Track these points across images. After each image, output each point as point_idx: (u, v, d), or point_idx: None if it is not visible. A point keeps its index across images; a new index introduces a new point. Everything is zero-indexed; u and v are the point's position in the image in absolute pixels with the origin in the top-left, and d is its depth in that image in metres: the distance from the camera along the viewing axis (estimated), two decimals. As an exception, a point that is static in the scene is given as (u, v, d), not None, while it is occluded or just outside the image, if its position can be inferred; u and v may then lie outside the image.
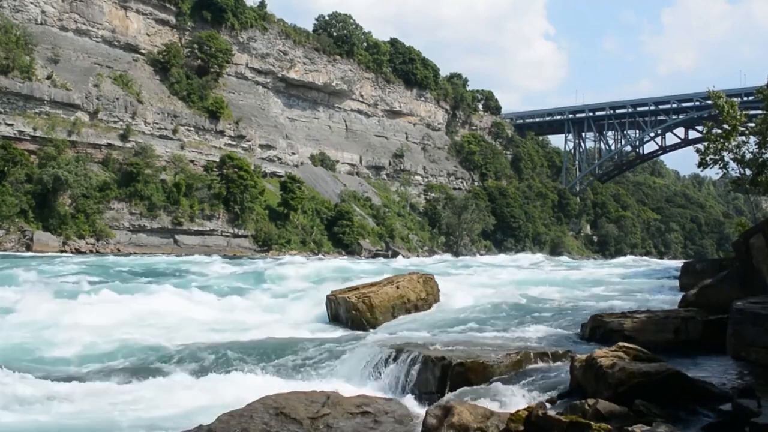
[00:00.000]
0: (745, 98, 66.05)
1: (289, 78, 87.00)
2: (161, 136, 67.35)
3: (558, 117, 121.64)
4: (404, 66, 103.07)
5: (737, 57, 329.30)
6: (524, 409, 6.42)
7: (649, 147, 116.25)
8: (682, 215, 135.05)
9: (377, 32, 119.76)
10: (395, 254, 73.75)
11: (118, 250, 55.65)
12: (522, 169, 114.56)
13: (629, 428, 5.88)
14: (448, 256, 72.06)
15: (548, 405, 7.25)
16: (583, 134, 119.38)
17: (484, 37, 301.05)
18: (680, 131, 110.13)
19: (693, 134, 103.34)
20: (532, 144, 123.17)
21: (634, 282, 26.72)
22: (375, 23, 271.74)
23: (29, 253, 46.28)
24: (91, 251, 53.33)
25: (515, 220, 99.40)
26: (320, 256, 66.95)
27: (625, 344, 8.12)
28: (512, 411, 6.56)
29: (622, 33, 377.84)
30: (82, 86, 62.19)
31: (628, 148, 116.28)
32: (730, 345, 8.17)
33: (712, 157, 24.47)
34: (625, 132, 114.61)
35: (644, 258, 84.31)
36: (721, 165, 24.56)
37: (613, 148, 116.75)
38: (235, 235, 68.14)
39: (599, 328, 11.17)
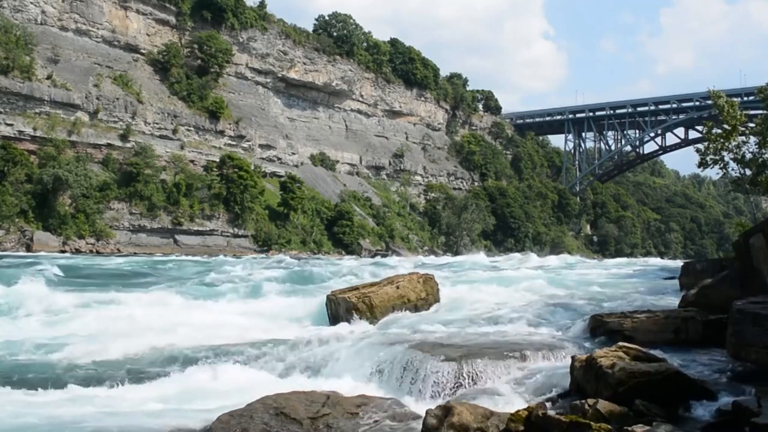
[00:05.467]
0: (745, 98, 66.09)
1: (289, 78, 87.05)
2: (161, 136, 67.43)
3: (558, 117, 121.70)
4: (404, 66, 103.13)
5: (736, 57, 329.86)
6: (524, 409, 6.42)
7: (649, 147, 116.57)
8: (682, 215, 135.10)
9: (375, 32, 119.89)
10: (396, 254, 73.71)
11: (118, 250, 55.69)
12: (522, 169, 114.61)
13: (629, 428, 5.89)
14: (426, 259, 60.66)
15: (548, 405, 7.25)
16: (583, 134, 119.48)
17: (483, 37, 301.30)
18: (680, 131, 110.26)
19: (693, 134, 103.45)
20: (532, 144, 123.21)
21: (635, 282, 26.71)
22: (373, 23, 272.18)
23: (29, 253, 46.28)
24: (91, 251, 53.38)
25: (515, 220, 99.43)
26: (320, 255, 66.94)
27: (625, 344, 8.12)
28: (512, 411, 6.56)
29: (621, 33, 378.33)
30: (82, 86, 62.24)
31: (628, 148, 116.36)
32: (730, 345, 8.17)
33: (712, 157, 24.39)
34: (625, 132, 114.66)
35: (645, 258, 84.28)
36: (721, 165, 24.47)
37: (613, 148, 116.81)
38: (235, 235, 68.20)
39: (599, 328, 11.15)
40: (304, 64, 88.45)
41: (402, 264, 38.75)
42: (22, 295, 16.95)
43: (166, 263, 37.67)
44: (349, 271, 29.08)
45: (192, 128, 71.24)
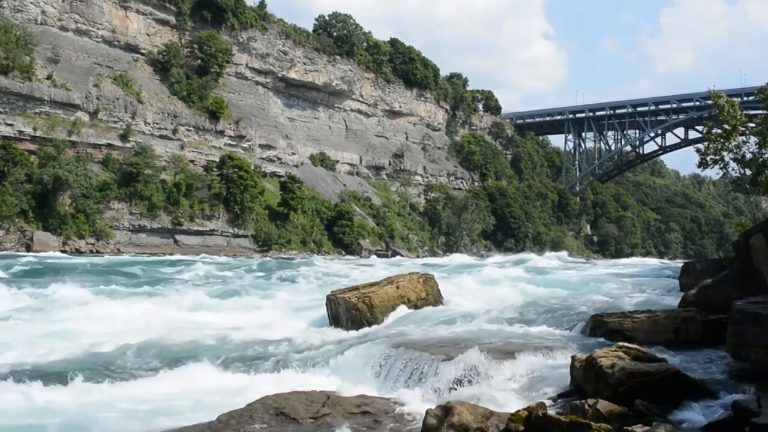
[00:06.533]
0: (745, 98, 66.10)
1: (289, 78, 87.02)
2: (161, 136, 67.41)
3: (558, 117, 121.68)
4: (404, 66, 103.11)
5: (736, 57, 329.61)
6: (524, 409, 6.42)
7: (649, 147, 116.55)
8: (682, 215, 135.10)
9: (375, 32, 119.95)
10: (395, 254, 73.69)
11: (118, 250, 55.68)
12: (522, 169, 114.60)
13: (629, 428, 5.89)
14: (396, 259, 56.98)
15: (548, 405, 7.25)
16: (583, 134, 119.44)
17: (483, 37, 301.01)
18: (680, 131, 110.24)
19: (693, 134, 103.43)
20: (532, 144, 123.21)
21: (634, 282, 26.70)
22: (373, 23, 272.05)
23: (29, 253, 46.21)
24: (91, 251, 53.35)
25: (515, 220, 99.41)
26: (320, 255, 66.85)
27: (625, 344, 8.13)
28: (512, 411, 6.56)
29: (621, 33, 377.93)
30: (82, 86, 62.22)
31: (628, 148, 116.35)
32: (730, 345, 8.17)
33: (712, 157, 24.36)
34: (625, 132, 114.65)
35: (645, 258, 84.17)
36: (721, 165, 24.45)
37: (613, 148, 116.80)
38: (235, 235, 68.18)
39: (599, 328, 11.15)
40: (304, 64, 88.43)
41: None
42: None
43: (133, 264, 36.79)
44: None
45: (192, 128, 71.22)
